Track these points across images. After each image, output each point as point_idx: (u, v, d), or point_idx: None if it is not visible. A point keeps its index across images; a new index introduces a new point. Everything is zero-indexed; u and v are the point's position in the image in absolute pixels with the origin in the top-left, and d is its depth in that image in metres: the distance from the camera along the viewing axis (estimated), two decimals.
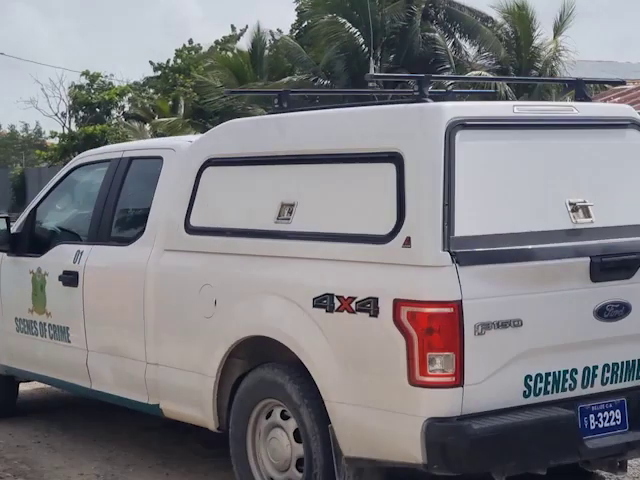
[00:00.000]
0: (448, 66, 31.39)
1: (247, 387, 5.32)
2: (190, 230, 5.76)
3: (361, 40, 30.96)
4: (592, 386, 4.82)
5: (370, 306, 4.57)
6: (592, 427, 4.81)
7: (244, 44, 36.91)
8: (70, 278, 6.56)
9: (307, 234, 5.03)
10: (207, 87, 32.98)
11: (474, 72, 30.37)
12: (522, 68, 31.26)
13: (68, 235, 6.99)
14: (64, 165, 7.66)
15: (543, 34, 32.57)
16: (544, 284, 4.65)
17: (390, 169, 4.67)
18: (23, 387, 8.04)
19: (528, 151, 4.92)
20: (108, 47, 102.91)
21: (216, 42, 41.09)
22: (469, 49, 33.65)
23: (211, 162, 5.75)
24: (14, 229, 7.27)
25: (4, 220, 7.22)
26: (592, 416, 4.81)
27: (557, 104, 5.35)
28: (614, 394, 4.91)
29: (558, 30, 31.63)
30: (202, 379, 5.52)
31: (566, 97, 31.84)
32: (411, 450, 4.45)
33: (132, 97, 39.68)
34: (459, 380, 4.39)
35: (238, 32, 40.95)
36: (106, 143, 29.64)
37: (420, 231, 4.49)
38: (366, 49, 30.81)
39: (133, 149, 6.80)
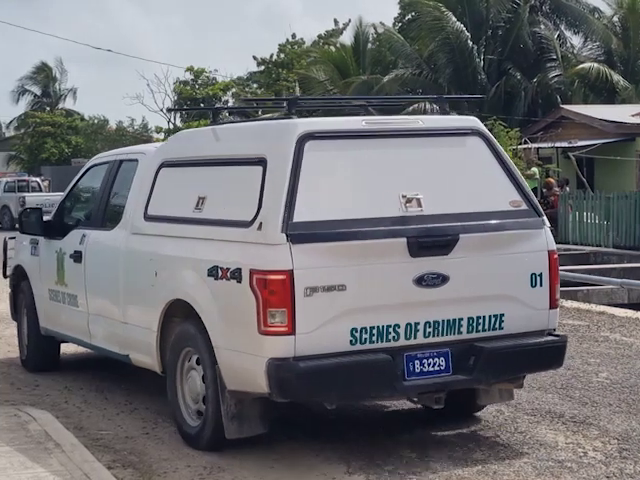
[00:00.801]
0: (554, 57, 31.92)
1: (175, 339, 6.89)
2: (147, 218, 7.38)
3: (465, 32, 31.69)
4: (415, 338, 6.16)
5: (237, 274, 6.08)
6: (417, 370, 6.17)
7: (347, 38, 37.87)
8: (77, 256, 8.32)
9: (209, 220, 6.58)
10: (310, 81, 34.51)
11: (580, 65, 30.94)
12: (630, 59, 31.54)
13: (80, 222, 8.77)
14: None
15: None
16: (367, 258, 6.03)
17: (259, 171, 6.18)
18: (135, 382, 8.66)
19: (371, 156, 6.32)
20: (212, 43, 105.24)
21: (319, 36, 41.89)
22: (574, 41, 34.00)
23: (164, 164, 7.37)
24: (48, 217, 9.13)
25: (38, 210, 9.12)
26: (417, 362, 6.17)
27: (405, 118, 6.65)
28: (439, 345, 6.24)
29: None
30: (150, 333, 7.14)
31: None
32: (260, 383, 5.94)
33: (236, 92, 41.23)
34: (292, 330, 5.84)
35: (341, 26, 41.72)
36: None
37: (268, 218, 5.98)
38: (470, 42, 31.62)
39: (124, 153, 8.50)
